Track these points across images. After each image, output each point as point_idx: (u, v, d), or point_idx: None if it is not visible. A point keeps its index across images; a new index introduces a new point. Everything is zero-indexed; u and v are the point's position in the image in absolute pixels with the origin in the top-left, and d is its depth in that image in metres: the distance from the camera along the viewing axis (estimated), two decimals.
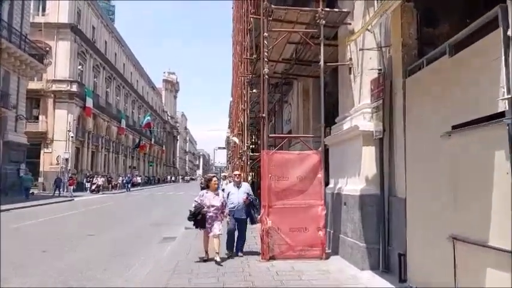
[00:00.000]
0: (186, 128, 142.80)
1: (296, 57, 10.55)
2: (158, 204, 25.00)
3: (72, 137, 36.95)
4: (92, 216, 17.96)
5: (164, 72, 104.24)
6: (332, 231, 8.02)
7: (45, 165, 36.56)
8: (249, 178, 27.01)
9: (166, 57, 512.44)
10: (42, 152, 36.98)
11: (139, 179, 52.92)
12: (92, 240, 10.77)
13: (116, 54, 55.44)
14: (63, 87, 37.46)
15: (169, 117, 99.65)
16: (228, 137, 79.16)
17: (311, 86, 12.59)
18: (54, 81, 37.29)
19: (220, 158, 49.45)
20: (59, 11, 37.47)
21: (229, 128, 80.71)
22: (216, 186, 7.89)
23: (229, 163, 48.67)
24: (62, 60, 37.62)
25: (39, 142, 36.63)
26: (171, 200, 29.49)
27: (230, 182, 23.57)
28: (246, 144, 13.16)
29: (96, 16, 46.44)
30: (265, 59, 7.65)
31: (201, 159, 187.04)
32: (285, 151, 8.00)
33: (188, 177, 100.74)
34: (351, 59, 7.79)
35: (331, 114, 12.38)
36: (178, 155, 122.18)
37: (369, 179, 6.72)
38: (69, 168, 36.58)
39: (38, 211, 18.63)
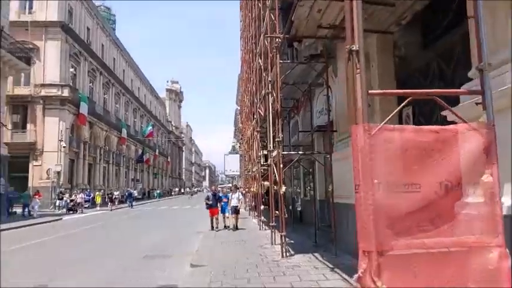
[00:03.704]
0: (191, 139, 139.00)
1: None
2: (158, 224, 20.82)
3: (64, 147, 33.03)
4: (68, 243, 13.79)
5: (167, 81, 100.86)
6: None
7: (34, 180, 32.55)
8: (265, 183, 22.57)
9: (169, 70, 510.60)
10: (30, 165, 33.04)
11: (135, 193, 47.88)
12: None
13: (114, 59, 51.76)
14: (54, 92, 33.70)
15: (173, 128, 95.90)
16: (233, 147, 74.88)
17: (374, 47, 8.46)
18: (43, 85, 33.54)
19: (231, 166, 44.82)
20: (47, 9, 33.87)
21: (235, 137, 76.75)
22: None
23: (240, 175, 44.26)
24: (51, 63, 33.91)
25: (27, 154, 32.81)
26: (175, 217, 25.34)
27: (242, 193, 18.31)
28: (277, 139, 8.98)
29: (91, 16, 42.84)
30: None
31: (207, 171, 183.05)
32: (406, 125, 3.79)
33: (194, 189, 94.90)
34: None
35: (407, 84, 8.24)
36: (184, 166, 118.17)
37: None
38: (61, 182, 32.64)
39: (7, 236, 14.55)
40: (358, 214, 3.37)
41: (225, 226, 14.99)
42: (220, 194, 15.81)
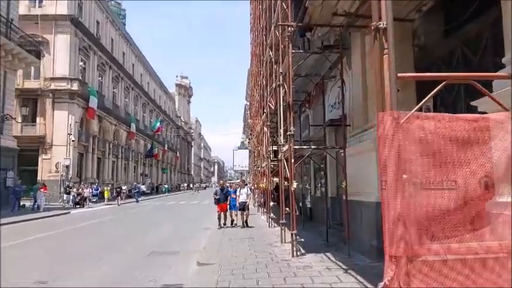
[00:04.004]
0: (200, 134, 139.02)
1: None
2: (165, 219, 20.60)
3: (73, 141, 32.93)
4: (73, 238, 13.58)
5: (177, 76, 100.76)
6: None
7: (43, 173, 32.57)
8: (274, 179, 22.14)
9: (179, 66, 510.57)
10: (40, 158, 33.06)
11: (143, 187, 47.81)
12: None
13: (124, 54, 51.63)
14: (63, 85, 33.58)
15: (183, 123, 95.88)
16: (242, 143, 74.47)
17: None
18: (53, 79, 33.46)
19: (240, 161, 44.07)
20: (57, 3, 33.70)
21: (244, 133, 76.38)
22: None
23: (249, 171, 43.87)
24: (61, 56, 33.77)
25: (36, 147, 32.80)
26: (182, 212, 25.12)
27: (250, 188, 17.37)
28: (289, 132, 8.57)
29: (101, 10, 42.64)
30: None
31: (216, 166, 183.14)
32: (441, 113, 3.35)
33: (202, 184, 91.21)
34: None
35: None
36: (193, 161, 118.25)
37: None
38: (70, 176, 32.60)
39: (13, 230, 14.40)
40: (384, 214, 2.98)
41: (232, 223, 14.41)
42: (229, 189, 15.00)
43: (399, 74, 3.06)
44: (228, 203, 14.31)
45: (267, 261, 7.90)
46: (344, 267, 7.19)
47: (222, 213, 14.16)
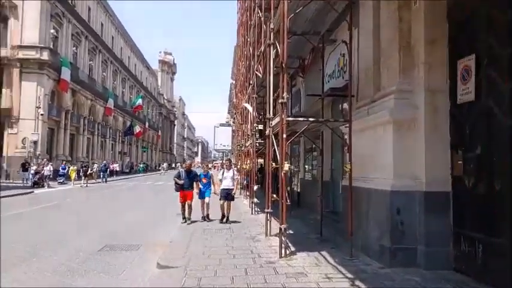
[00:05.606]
0: (184, 114, 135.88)
1: None
2: (133, 203, 18.63)
3: (42, 114, 30.37)
4: (9, 228, 11.59)
5: (160, 52, 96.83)
6: None
7: (9, 149, 30.01)
8: (259, 160, 20.29)
9: (162, 39, 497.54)
10: (6, 133, 30.39)
11: (116, 167, 45.20)
12: None
13: (102, 24, 48.42)
14: (32, 54, 30.61)
15: (165, 101, 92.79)
16: (227, 122, 72.35)
17: None
18: (21, 47, 30.50)
19: (222, 140, 41.58)
20: None
21: (228, 113, 74.07)
22: None
23: (232, 151, 41.94)
24: (30, 23, 30.74)
25: (2, 121, 30.10)
26: (155, 195, 23.14)
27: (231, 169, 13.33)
28: (282, 100, 6.64)
29: None
30: None
31: (200, 146, 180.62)
32: None
33: (165, 164, 70.41)
34: None
35: (465, 28, 5.94)
36: (175, 141, 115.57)
37: None
38: (38, 152, 30.14)
39: None
40: None
41: (203, 217, 10.84)
42: (199, 172, 11.50)
43: None
44: (195, 190, 10.86)
45: (248, 263, 6.11)
46: (349, 275, 5.46)
47: (186, 203, 10.58)
